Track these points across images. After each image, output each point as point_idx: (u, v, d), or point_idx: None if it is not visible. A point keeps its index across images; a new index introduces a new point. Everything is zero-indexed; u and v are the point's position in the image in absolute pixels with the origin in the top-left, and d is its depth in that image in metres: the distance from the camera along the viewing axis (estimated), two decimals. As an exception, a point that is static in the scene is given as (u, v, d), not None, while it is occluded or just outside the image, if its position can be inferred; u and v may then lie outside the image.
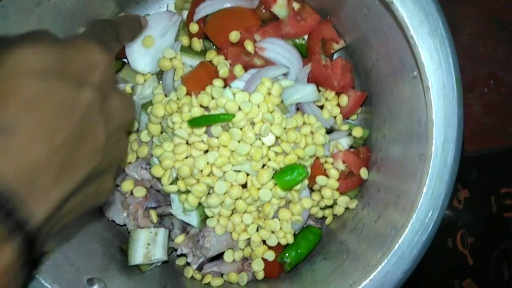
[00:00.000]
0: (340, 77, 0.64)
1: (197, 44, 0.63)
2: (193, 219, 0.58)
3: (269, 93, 0.56)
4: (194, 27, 0.63)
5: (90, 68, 0.37)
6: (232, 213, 0.58)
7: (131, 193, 0.60)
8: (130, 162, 0.60)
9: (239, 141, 0.55)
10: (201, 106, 0.56)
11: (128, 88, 0.64)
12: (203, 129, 0.55)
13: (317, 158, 0.60)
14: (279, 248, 0.60)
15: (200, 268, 0.62)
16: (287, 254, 0.60)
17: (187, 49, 0.64)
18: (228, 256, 0.60)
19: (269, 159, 0.56)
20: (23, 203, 0.31)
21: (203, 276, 0.61)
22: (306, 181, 0.58)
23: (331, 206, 0.63)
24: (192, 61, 0.63)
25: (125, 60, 0.65)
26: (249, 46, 0.61)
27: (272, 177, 0.56)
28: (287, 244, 0.60)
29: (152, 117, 0.58)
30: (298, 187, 0.56)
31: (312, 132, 0.58)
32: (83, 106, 0.35)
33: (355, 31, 0.61)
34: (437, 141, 0.43)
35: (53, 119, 0.33)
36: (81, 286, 0.51)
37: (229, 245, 0.60)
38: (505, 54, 0.79)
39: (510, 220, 0.69)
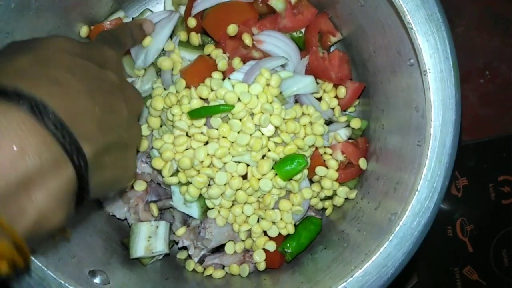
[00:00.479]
0: (337, 68, 0.64)
1: (195, 38, 0.64)
2: (194, 211, 0.58)
3: (268, 84, 0.56)
4: (192, 22, 0.64)
5: (105, 60, 0.44)
6: (233, 204, 0.58)
7: (132, 187, 0.61)
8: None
9: (238, 132, 0.55)
10: (200, 98, 0.56)
11: (127, 83, 0.65)
12: (203, 120, 0.56)
13: (316, 149, 0.61)
14: (280, 239, 0.60)
15: (201, 261, 0.62)
16: (288, 245, 0.60)
17: (185, 44, 0.64)
18: (229, 248, 0.60)
19: (269, 150, 0.56)
20: (75, 135, 0.35)
21: (204, 269, 0.62)
22: (306, 171, 0.59)
23: (331, 197, 0.63)
24: (191, 56, 0.63)
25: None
26: (247, 39, 0.61)
27: (272, 168, 0.56)
28: (288, 235, 0.60)
29: (151, 110, 0.58)
30: (298, 177, 0.57)
31: (311, 123, 0.59)
32: (109, 82, 0.42)
33: (351, 23, 0.62)
34: (435, 123, 0.43)
35: (89, 84, 0.39)
36: (84, 277, 0.51)
37: (230, 236, 0.60)
38: (499, 45, 0.80)
39: (509, 207, 0.70)
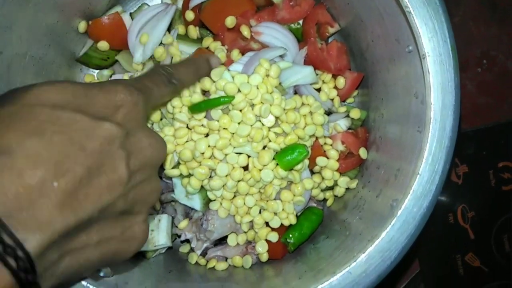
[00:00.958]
0: (336, 59, 0.64)
1: (193, 31, 0.64)
2: (196, 203, 0.58)
3: (268, 75, 0.56)
4: (189, 15, 0.64)
5: (113, 107, 0.36)
6: (235, 195, 0.58)
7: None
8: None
9: (239, 123, 0.55)
10: (202, 90, 0.56)
11: (126, 77, 0.65)
12: (203, 113, 0.56)
13: (317, 139, 0.61)
14: (282, 230, 0.60)
15: (204, 254, 0.62)
16: (290, 235, 0.60)
17: (184, 37, 0.64)
18: (231, 240, 0.60)
19: (270, 140, 0.57)
20: (18, 226, 0.29)
21: (207, 261, 0.62)
22: (306, 161, 0.59)
23: (332, 188, 0.63)
24: (189, 49, 0.63)
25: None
26: (245, 31, 0.61)
27: (273, 158, 0.56)
28: (290, 226, 0.60)
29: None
30: (299, 166, 0.57)
31: (311, 112, 0.59)
32: (100, 137, 0.34)
33: (349, 13, 0.62)
34: (435, 106, 0.43)
35: (62, 145, 0.31)
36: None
37: (233, 228, 0.60)
38: (497, 34, 0.80)
39: (509, 193, 0.70)
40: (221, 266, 0.61)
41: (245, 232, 0.60)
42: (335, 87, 0.65)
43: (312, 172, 0.62)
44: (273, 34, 0.62)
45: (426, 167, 0.44)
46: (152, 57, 0.63)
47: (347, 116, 0.65)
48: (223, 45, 0.62)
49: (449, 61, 0.43)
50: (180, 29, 0.64)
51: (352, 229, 0.55)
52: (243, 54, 0.61)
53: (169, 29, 0.64)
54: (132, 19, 0.65)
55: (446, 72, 0.43)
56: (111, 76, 0.67)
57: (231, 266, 0.62)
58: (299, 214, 0.62)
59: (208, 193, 0.57)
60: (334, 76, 0.65)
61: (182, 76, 0.50)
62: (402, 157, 0.52)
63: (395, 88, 0.57)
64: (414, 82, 0.50)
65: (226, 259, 0.62)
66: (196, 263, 0.62)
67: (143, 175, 0.37)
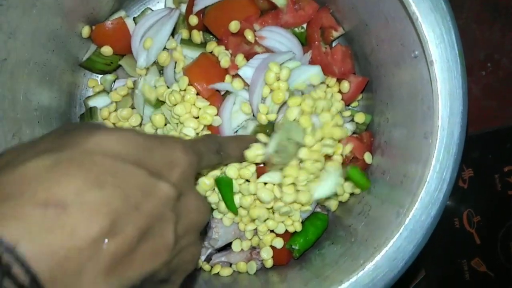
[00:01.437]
0: (340, 63, 0.64)
1: (197, 36, 0.64)
2: (201, 209, 0.58)
3: (278, 79, 0.56)
4: (193, 20, 0.63)
5: (169, 164, 0.35)
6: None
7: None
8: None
9: None
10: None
11: (129, 83, 0.64)
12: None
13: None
14: (287, 235, 0.60)
15: (208, 259, 0.62)
16: (295, 241, 0.60)
17: (188, 42, 0.64)
18: (236, 246, 0.60)
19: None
20: None
21: (211, 267, 0.61)
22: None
23: (336, 193, 0.63)
24: (193, 53, 0.63)
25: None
26: (249, 35, 0.61)
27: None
28: (295, 231, 0.60)
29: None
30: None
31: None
32: (158, 197, 0.32)
33: (353, 17, 0.62)
34: (443, 114, 0.43)
35: (119, 201, 0.29)
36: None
37: (237, 234, 0.60)
38: (500, 37, 0.80)
39: (515, 198, 0.70)
40: (226, 272, 0.61)
41: (249, 239, 0.60)
42: (340, 91, 0.65)
43: (317, 177, 0.62)
44: (277, 38, 0.62)
45: (434, 175, 0.43)
46: (155, 62, 0.63)
47: (352, 120, 0.64)
48: (227, 49, 0.62)
49: (456, 68, 0.43)
50: (184, 33, 0.64)
51: (357, 235, 0.55)
52: (247, 58, 0.61)
53: (172, 34, 0.64)
54: (136, 23, 0.65)
55: (453, 79, 0.43)
56: (114, 81, 0.67)
57: (236, 272, 0.61)
58: (304, 219, 0.61)
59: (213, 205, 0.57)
60: (339, 80, 0.65)
61: (230, 151, 0.50)
62: (408, 162, 0.51)
63: (400, 92, 0.56)
64: (420, 87, 0.50)
65: (231, 264, 0.61)
66: (201, 269, 0.62)
67: (186, 240, 0.35)
